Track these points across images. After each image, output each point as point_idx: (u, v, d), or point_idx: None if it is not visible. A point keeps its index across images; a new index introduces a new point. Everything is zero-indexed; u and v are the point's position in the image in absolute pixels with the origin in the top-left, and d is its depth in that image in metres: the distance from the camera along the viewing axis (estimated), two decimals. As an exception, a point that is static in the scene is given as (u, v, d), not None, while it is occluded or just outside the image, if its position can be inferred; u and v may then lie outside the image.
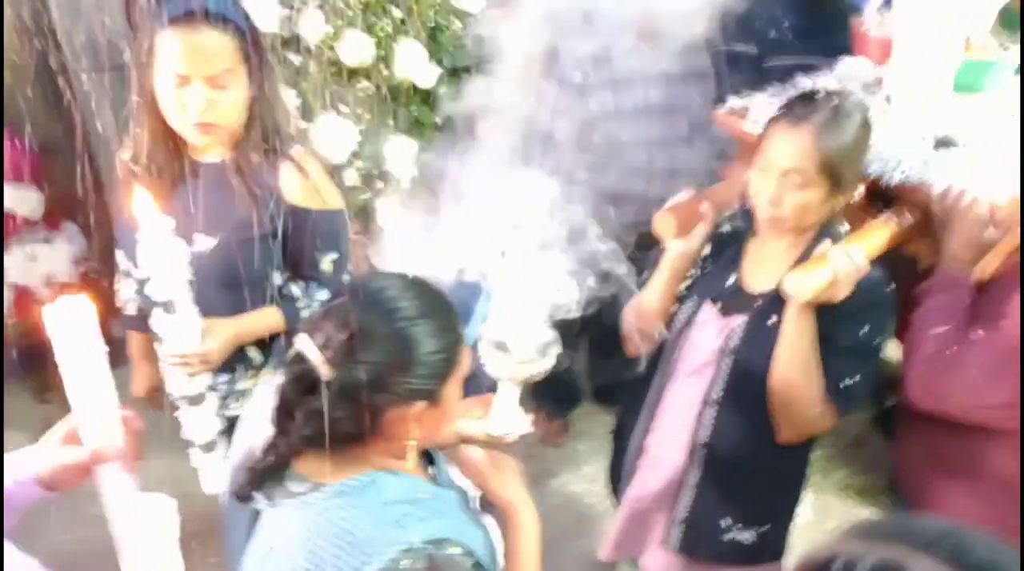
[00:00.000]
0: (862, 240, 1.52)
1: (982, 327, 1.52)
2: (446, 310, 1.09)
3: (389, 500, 1.05)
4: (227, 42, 1.50)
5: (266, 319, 1.69)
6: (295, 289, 1.71)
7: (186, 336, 1.56)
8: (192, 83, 1.50)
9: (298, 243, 1.65)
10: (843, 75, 1.91)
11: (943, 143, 1.62)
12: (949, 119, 1.70)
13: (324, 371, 1.01)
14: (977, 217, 1.53)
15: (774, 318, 1.54)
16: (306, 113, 2.24)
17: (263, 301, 1.68)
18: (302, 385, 1.04)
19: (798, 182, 1.47)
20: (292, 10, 2.23)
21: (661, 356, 1.75)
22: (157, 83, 1.52)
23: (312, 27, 2.22)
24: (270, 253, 1.64)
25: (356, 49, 2.20)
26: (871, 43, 1.91)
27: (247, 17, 1.57)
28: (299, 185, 1.62)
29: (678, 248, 1.65)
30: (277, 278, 1.70)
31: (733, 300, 1.64)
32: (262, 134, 1.61)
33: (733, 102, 1.92)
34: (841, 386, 1.52)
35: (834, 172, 1.46)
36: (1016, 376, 1.43)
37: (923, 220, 1.64)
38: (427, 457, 1.24)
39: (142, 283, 1.52)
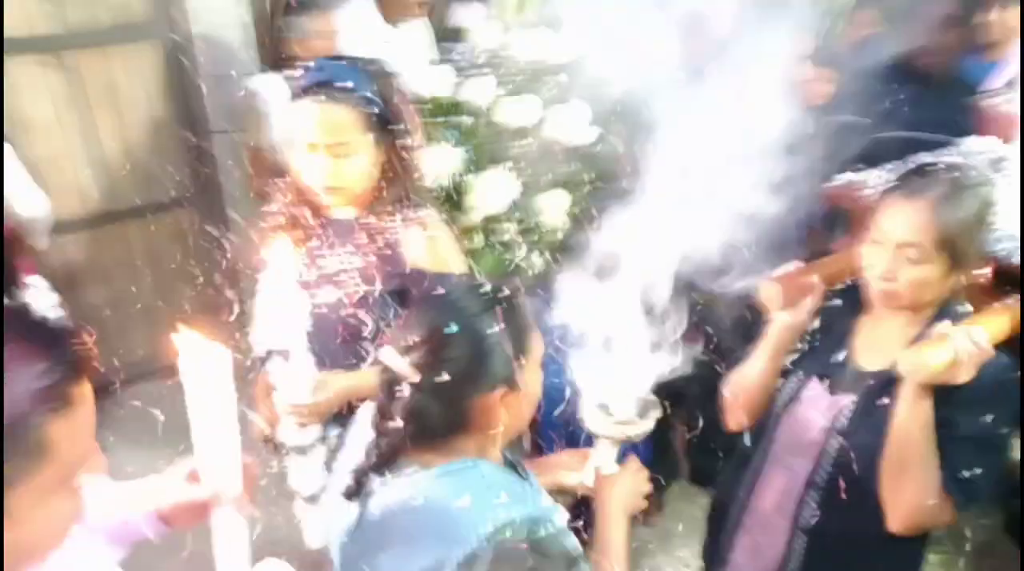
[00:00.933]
0: (985, 322, 1.44)
1: None
2: (511, 303, 1.18)
3: (489, 482, 1.13)
4: (351, 114, 1.59)
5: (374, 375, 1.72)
6: None
7: (299, 386, 1.60)
8: (319, 150, 1.60)
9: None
10: (967, 151, 1.84)
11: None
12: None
13: (410, 374, 1.12)
14: None
15: (886, 399, 1.46)
16: (473, 168, 2.37)
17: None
18: (393, 390, 1.15)
19: (914, 256, 1.41)
20: (463, 76, 2.42)
21: (763, 434, 1.68)
22: (290, 149, 1.63)
23: (482, 91, 2.39)
24: (388, 310, 1.68)
25: (524, 111, 2.36)
26: (996, 120, 1.83)
27: (380, 87, 1.65)
28: (423, 247, 1.67)
29: (784, 320, 1.60)
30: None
31: (843, 378, 1.57)
32: (392, 197, 1.68)
33: (848, 175, 1.88)
34: (960, 477, 1.41)
35: (953, 247, 1.40)
36: None
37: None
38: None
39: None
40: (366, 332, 1.68)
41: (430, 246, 1.67)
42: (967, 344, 1.34)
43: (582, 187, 2.44)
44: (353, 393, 1.69)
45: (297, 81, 1.63)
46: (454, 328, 1.12)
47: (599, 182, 2.46)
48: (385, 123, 1.64)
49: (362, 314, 1.65)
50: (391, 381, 1.15)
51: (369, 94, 1.61)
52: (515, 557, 1.05)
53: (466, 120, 2.39)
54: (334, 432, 1.74)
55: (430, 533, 1.08)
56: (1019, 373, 1.44)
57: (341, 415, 1.69)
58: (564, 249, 2.35)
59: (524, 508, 1.10)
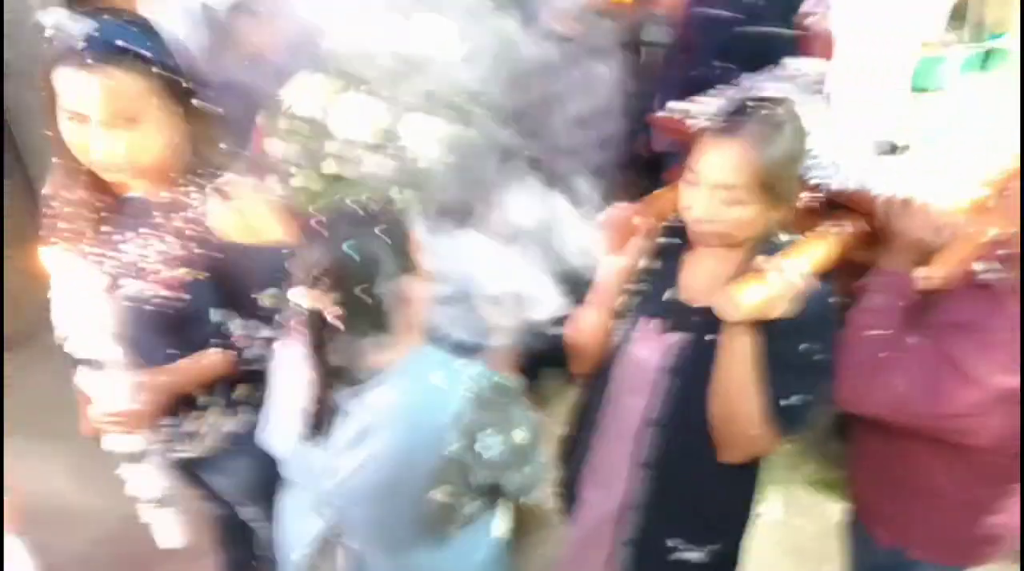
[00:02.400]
0: (801, 253, 1.46)
1: (919, 334, 1.47)
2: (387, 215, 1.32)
3: (442, 356, 1.35)
4: (131, 81, 1.38)
5: (209, 363, 1.60)
6: (236, 327, 1.62)
7: (116, 395, 1.45)
8: (90, 123, 1.38)
9: (235, 280, 1.56)
10: (790, 73, 1.84)
11: (885, 148, 1.55)
12: (892, 120, 1.63)
13: (324, 303, 1.24)
14: (920, 223, 1.47)
15: (713, 336, 1.48)
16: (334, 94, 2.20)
17: (203, 342, 1.59)
18: (315, 320, 1.27)
19: (730, 198, 1.40)
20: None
21: (603, 375, 1.69)
22: (59, 120, 1.42)
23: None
24: (205, 292, 1.55)
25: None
26: (816, 40, 1.83)
27: (165, 49, 1.44)
28: (230, 219, 1.52)
29: (612, 264, 1.58)
30: (215, 316, 1.60)
31: (672, 316, 1.58)
32: (188, 167, 1.51)
33: (671, 106, 1.85)
34: (783, 405, 1.46)
35: (768, 186, 1.40)
36: (946, 391, 1.37)
37: (869, 227, 1.58)
38: None
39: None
40: (190, 317, 1.55)
41: (238, 216, 1.53)
42: (781, 279, 1.36)
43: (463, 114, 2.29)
44: (181, 387, 1.59)
45: (64, 40, 1.40)
46: (350, 244, 1.23)
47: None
48: (172, 86, 1.45)
49: (181, 299, 1.52)
50: (313, 317, 1.27)
51: (151, 53, 1.40)
52: (493, 402, 1.30)
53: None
54: (167, 422, 1.64)
55: (422, 413, 1.29)
56: (835, 299, 1.49)
57: (171, 405, 1.59)
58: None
59: (480, 367, 1.34)
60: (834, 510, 2.83)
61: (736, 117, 1.42)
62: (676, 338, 1.56)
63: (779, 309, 1.37)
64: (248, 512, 1.87)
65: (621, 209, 1.61)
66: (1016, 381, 1.30)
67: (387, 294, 1.26)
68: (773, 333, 1.42)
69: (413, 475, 1.30)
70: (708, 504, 1.63)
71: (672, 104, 1.87)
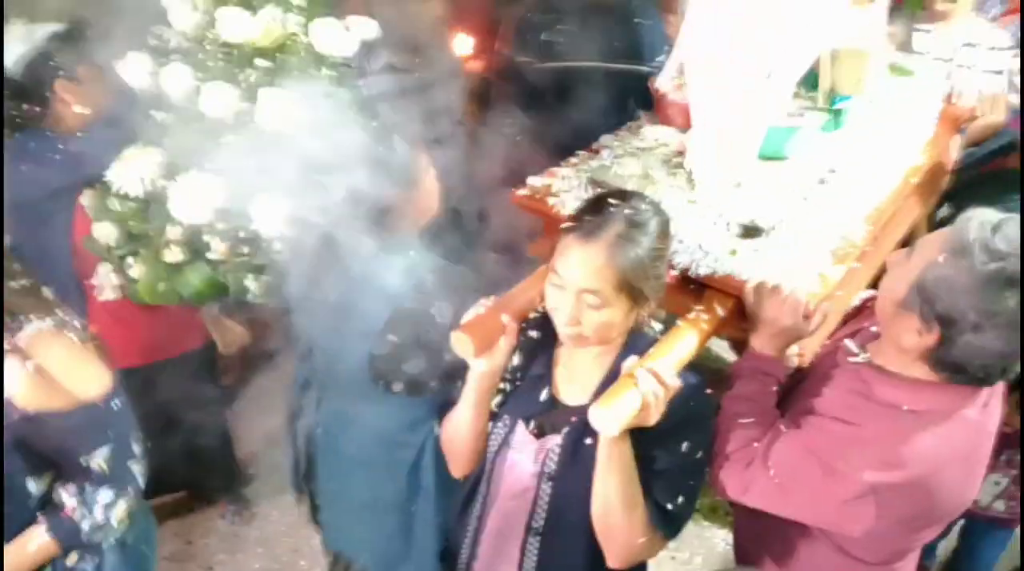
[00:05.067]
0: (671, 348, 1.41)
1: (788, 422, 1.45)
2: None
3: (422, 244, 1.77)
4: None
5: (32, 547, 1.40)
6: (66, 496, 1.41)
7: None
8: None
9: (51, 447, 1.37)
10: (646, 144, 1.80)
11: (749, 231, 1.53)
12: (754, 195, 1.61)
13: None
14: (788, 310, 1.45)
15: (590, 439, 1.41)
16: (170, 173, 1.94)
17: (27, 517, 1.40)
18: None
19: (595, 302, 1.34)
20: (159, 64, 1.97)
21: (482, 478, 1.60)
22: None
23: (176, 81, 1.94)
24: (16, 462, 1.35)
25: (219, 101, 1.92)
26: (671, 107, 1.79)
27: None
28: (30, 386, 1.32)
29: (481, 367, 1.49)
30: (34, 487, 1.40)
31: (547, 418, 1.51)
32: None
33: (533, 181, 1.77)
34: (667, 509, 1.41)
35: (633, 289, 1.34)
36: (816, 486, 1.36)
37: (738, 307, 1.55)
38: None
39: None
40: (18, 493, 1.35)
41: (39, 381, 1.32)
42: (653, 386, 1.30)
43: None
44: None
45: None
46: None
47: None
48: None
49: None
50: None
51: None
52: (455, 282, 1.63)
53: (161, 116, 1.99)
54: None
55: (392, 269, 1.62)
56: (708, 390, 1.45)
57: None
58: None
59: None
60: (719, 538, 2.87)
61: (596, 218, 1.35)
62: (552, 442, 1.49)
63: (655, 416, 1.31)
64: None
65: (485, 307, 1.51)
66: (888, 476, 1.30)
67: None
68: (650, 437, 1.36)
69: (372, 321, 1.63)
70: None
71: (531, 180, 1.79)
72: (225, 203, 1.87)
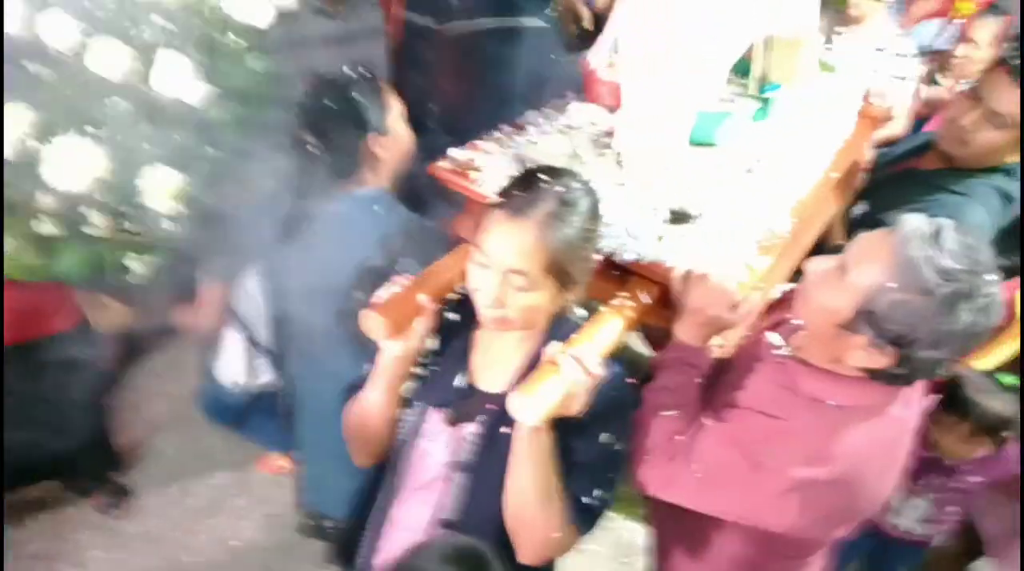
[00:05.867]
0: (595, 334, 1.34)
1: (715, 415, 1.41)
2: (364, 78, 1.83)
3: (390, 199, 1.83)
4: None
5: None
6: None
7: None
8: None
9: None
10: (574, 123, 1.73)
11: (678, 217, 1.48)
12: (683, 180, 1.56)
13: None
14: (713, 299, 1.41)
15: (508, 428, 1.33)
16: (44, 134, 1.67)
17: None
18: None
19: (522, 284, 1.25)
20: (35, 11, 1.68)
21: (388, 467, 1.49)
22: None
23: (57, 31, 1.67)
24: None
25: (108, 59, 1.67)
26: (602, 86, 1.72)
27: None
28: None
29: (394, 350, 1.38)
30: None
31: (462, 405, 1.41)
32: None
33: (454, 153, 1.67)
34: (583, 502, 1.34)
35: (562, 271, 1.26)
36: (740, 481, 1.32)
37: (662, 295, 1.50)
38: None
39: None
40: None
41: None
42: (578, 374, 1.22)
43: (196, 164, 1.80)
44: None
45: None
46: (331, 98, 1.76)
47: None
48: None
49: None
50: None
51: None
52: (417, 237, 1.70)
53: (39, 69, 1.69)
54: None
55: (357, 226, 1.75)
56: (629, 379, 1.39)
57: None
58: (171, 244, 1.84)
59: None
60: (631, 531, 2.83)
61: (526, 194, 1.27)
62: (467, 430, 1.39)
63: (578, 405, 1.24)
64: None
65: (400, 286, 1.40)
66: (814, 472, 1.27)
67: (358, 144, 1.74)
68: (569, 427, 1.29)
69: (340, 276, 1.68)
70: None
71: (453, 152, 1.69)
72: (108, 173, 1.67)
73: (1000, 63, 1.95)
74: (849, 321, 1.26)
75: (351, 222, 1.74)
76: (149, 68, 1.66)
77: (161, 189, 1.66)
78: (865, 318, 1.23)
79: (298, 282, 1.77)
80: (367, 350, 1.40)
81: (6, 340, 2.02)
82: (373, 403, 1.44)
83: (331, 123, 1.77)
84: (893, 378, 1.27)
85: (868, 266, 1.24)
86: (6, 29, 1.69)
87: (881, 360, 1.24)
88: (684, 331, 1.46)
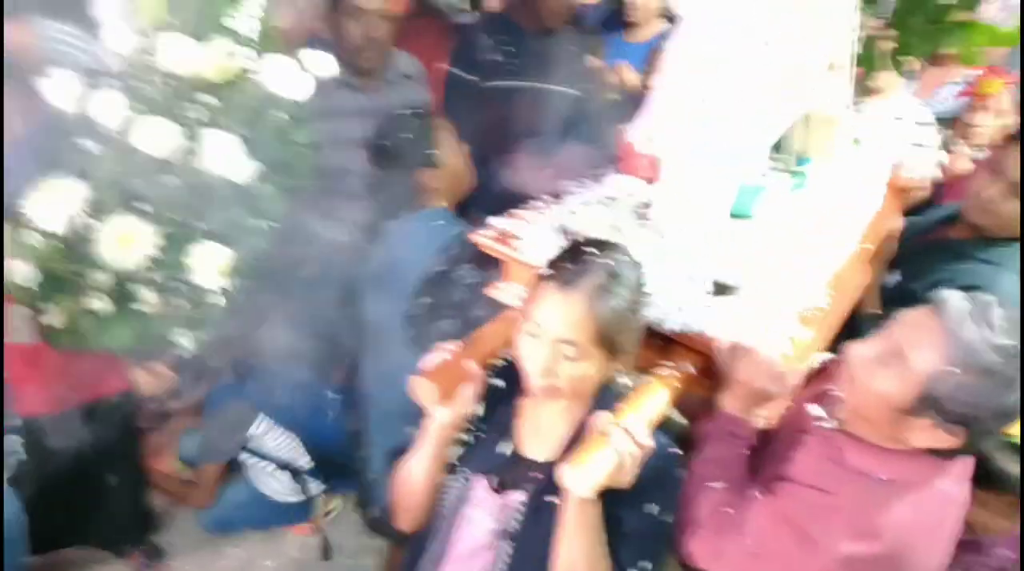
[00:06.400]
0: (643, 405, 1.36)
1: (760, 487, 1.41)
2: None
3: (449, 215, 2.17)
4: None
5: None
6: None
7: None
8: None
9: None
10: (612, 194, 1.77)
11: (720, 288, 1.51)
12: (723, 252, 1.59)
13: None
14: (757, 371, 1.43)
15: (555, 497, 1.34)
16: (96, 211, 1.72)
17: None
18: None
19: (572, 354, 1.29)
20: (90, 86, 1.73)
21: (432, 535, 1.50)
22: None
23: (106, 109, 1.71)
24: None
25: (155, 136, 1.70)
26: (640, 158, 1.77)
27: None
28: None
29: (443, 416, 1.41)
30: None
31: (509, 473, 1.43)
32: None
33: (495, 223, 1.72)
34: None
35: (610, 341, 1.29)
36: (791, 554, 1.32)
37: (707, 365, 1.52)
38: None
39: None
40: None
41: None
42: (628, 445, 1.24)
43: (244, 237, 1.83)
44: None
45: None
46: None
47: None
48: None
49: None
50: None
51: None
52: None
53: (90, 146, 1.74)
54: None
55: (421, 235, 2.04)
56: (675, 450, 1.40)
57: None
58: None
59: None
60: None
61: (575, 266, 1.31)
62: (512, 498, 1.41)
63: (628, 476, 1.25)
64: None
65: (446, 352, 1.44)
66: (862, 547, 1.27)
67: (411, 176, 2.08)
68: (616, 498, 1.29)
69: (407, 280, 1.96)
70: None
71: (493, 221, 1.74)
72: (158, 250, 1.71)
73: (1018, 135, 1.98)
74: (911, 406, 1.27)
75: (415, 235, 2.02)
76: (196, 145, 1.71)
77: (209, 264, 1.70)
78: (928, 403, 1.25)
79: (373, 290, 2.04)
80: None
81: (54, 408, 2.05)
82: (419, 468, 1.45)
83: (387, 159, 2.12)
84: (951, 452, 1.28)
85: (924, 351, 1.27)
86: (61, 106, 1.74)
87: (948, 440, 1.26)
88: (730, 402, 1.48)
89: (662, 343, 1.57)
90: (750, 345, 1.44)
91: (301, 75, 1.79)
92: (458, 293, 1.87)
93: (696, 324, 1.48)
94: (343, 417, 2.53)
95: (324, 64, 1.85)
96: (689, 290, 1.52)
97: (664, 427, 1.44)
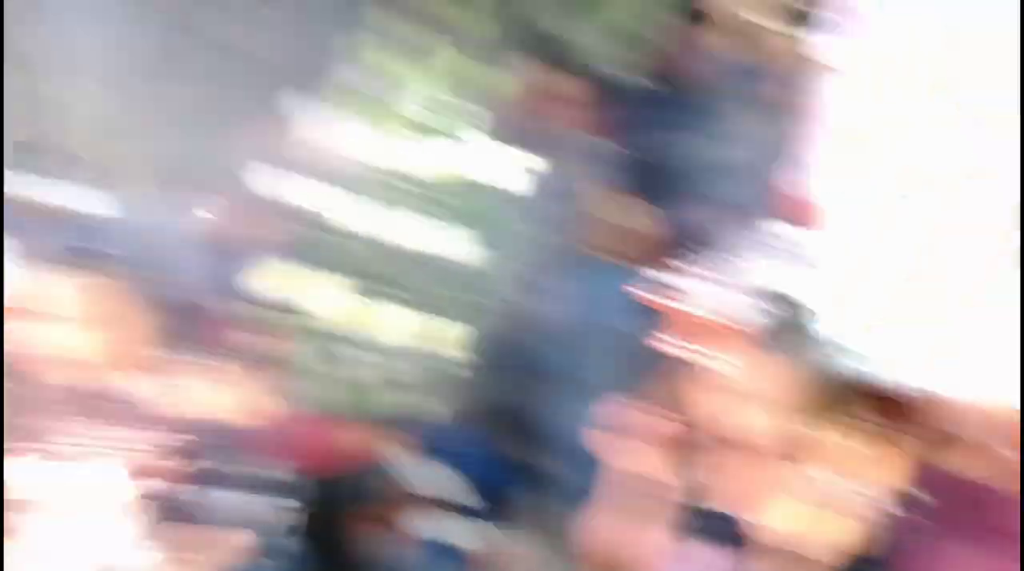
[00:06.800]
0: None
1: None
2: None
3: None
4: None
5: None
6: None
7: None
8: None
9: None
10: (770, 239, 1.79)
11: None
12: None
13: None
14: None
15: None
16: (363, 298, 2.08)
17: None
18: None
19: (776, 409, 1.30)
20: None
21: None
22: None
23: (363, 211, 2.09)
24: None
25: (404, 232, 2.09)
26: (799, 206, 1.79)
27: None
28: None
29: (634, 469, 1.42)
30: None
31: (710, 529, 1.43)
32: None
33: (658, 277, 1.74)
34: None
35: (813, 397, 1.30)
36: None
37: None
38: None
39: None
40: None
41: None
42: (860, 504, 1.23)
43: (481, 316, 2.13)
44: None
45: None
46: None
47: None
48: None
49: None
50: None
51: None
52: None
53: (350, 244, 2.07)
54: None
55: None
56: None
57: None
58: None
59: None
60: None
61: (767, 322, 1.33)
62: (718, 554, 1.41)
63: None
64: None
65: (636, 410, 1.46)
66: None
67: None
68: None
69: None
70: None
71: (656, 276, 1.76)
72: (415, 330, 1.89)
73: None
74: None
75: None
76: (436, 238, 1.93)
77: (456, 341, 1.84)
78: None
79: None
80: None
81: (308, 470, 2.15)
82: (608, 525, 1.47)
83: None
84: None
85: None
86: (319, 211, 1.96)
87: None
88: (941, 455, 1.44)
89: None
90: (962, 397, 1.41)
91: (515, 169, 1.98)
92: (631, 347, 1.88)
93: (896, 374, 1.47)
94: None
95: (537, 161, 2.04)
96: (873, 334, 1.52)
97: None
